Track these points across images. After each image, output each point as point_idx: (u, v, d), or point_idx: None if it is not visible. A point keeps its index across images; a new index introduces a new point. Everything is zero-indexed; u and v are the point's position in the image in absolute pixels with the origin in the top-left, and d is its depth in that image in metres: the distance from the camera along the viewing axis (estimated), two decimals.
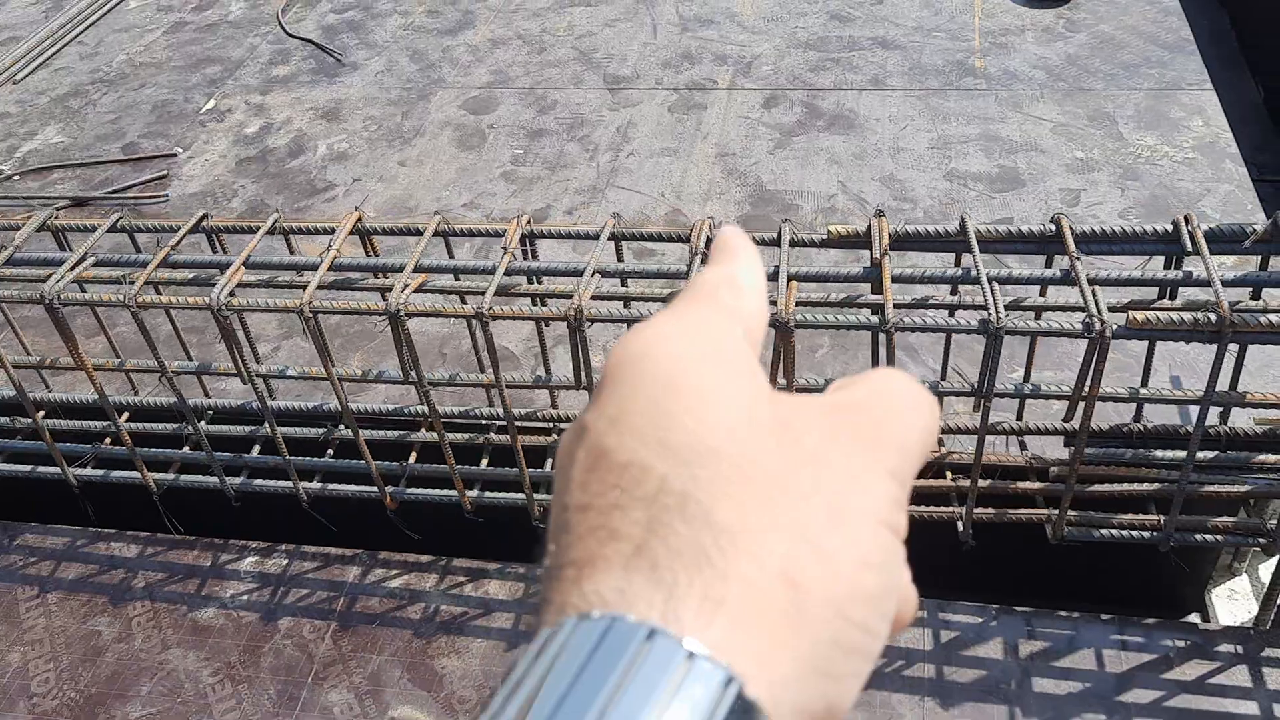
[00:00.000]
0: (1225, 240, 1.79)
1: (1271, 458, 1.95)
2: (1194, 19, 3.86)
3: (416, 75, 3.78)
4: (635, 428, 0.37)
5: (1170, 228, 1.79)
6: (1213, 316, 1.63)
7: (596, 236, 1.96)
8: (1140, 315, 1.65)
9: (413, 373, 1.93)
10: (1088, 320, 1.67)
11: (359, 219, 2.03)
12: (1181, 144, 3.12)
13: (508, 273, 1.92)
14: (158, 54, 4.06)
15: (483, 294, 1.83)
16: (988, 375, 1.75)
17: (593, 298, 1.93)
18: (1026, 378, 2.00)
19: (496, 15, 4.12)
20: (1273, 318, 1.62)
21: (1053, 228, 1.82)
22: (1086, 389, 1.74)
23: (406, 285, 1.88)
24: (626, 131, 3.40)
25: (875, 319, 1.74)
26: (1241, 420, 2.10)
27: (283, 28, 4.08)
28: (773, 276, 1.84)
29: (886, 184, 3.07)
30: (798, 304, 1.93)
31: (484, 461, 2.20)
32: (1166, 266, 1.83)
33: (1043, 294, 1.89)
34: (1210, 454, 1.96)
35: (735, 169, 3.19)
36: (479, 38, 3.99)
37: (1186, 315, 1.64)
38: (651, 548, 0.34)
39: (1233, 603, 2.50)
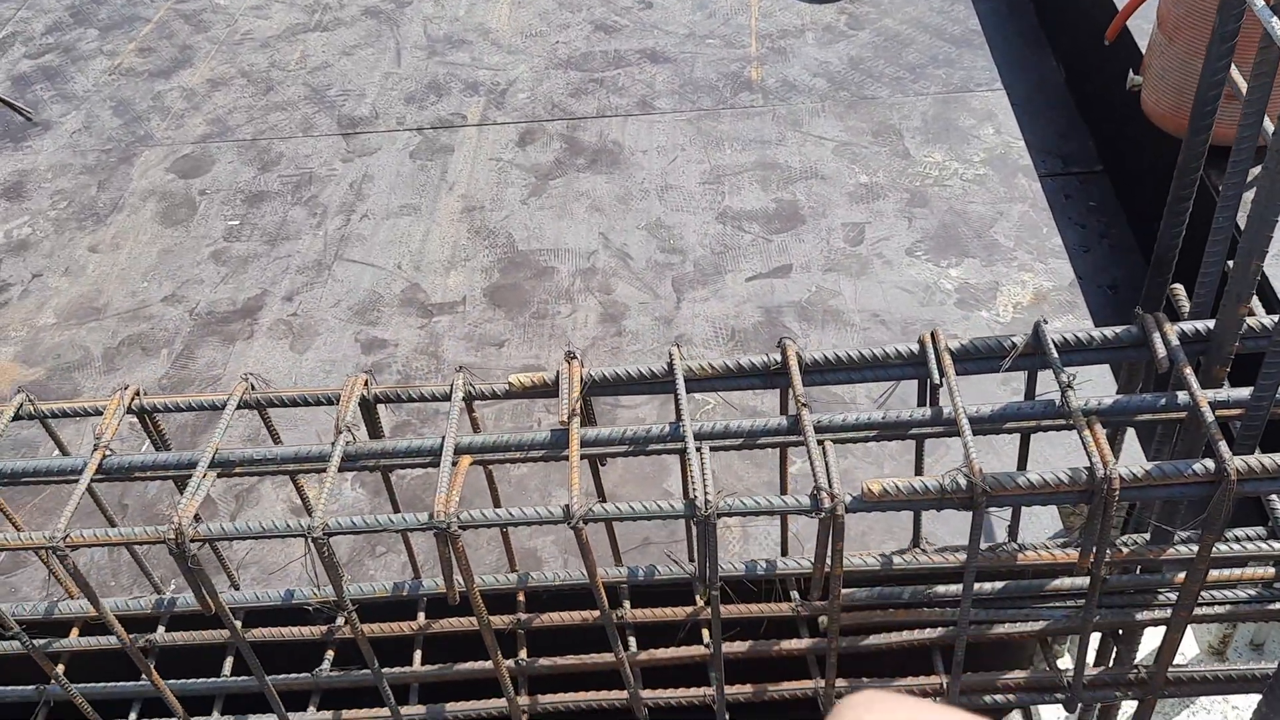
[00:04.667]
0: (982, 358, 1.47)
1: (1066, 582, 1.66)
2: None
3: (120, 132, 3.24)
4: None
5: (916, 348, 1.46)
6: (962, 482, 1.30)
7: (223, 406, 1.54)
8: (876, 486, 1.32)
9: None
10: (815, 494, 1.33)
11: None
12: (971, 158, 2.83)
13: (105, 471, 1.49)
14: None
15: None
16: (708, 561, 1.41)
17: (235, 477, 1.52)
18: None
19: (219, 49, 3.59)
20: (1032, 477, 1.30)
21: (778, 358, 1.48)
22: (828, 565, 1.40)
23: None
24: (361, 187, 2.94)
25: (561, 510, 1.37)
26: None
27: None
28: (436, 452, 1.46)
29: (653, 233, 2.70)
30: (480, 462, 1.56)
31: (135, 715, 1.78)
32: (920, 393, 1.51)
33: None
34: (998, 584, 1.66)
35: (484, 226, 2.78)
36: (197, 78, 3.46)
37: (931, 483, 1.31)
38: None
39: None
